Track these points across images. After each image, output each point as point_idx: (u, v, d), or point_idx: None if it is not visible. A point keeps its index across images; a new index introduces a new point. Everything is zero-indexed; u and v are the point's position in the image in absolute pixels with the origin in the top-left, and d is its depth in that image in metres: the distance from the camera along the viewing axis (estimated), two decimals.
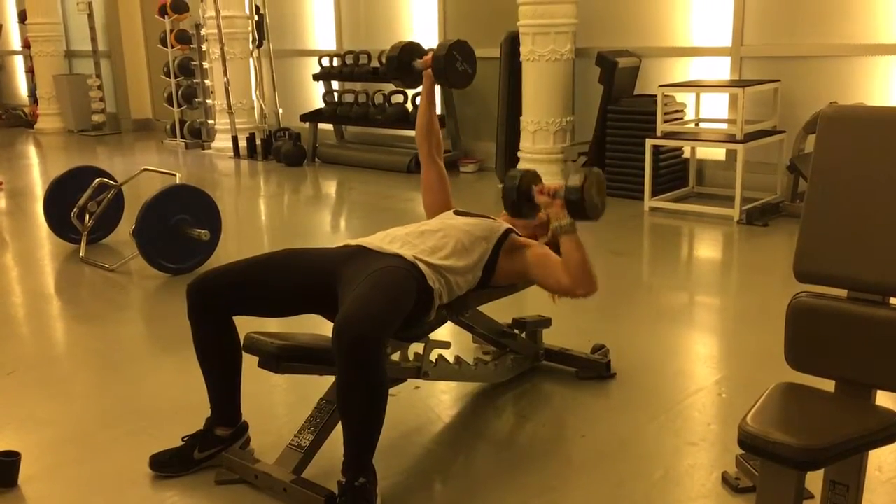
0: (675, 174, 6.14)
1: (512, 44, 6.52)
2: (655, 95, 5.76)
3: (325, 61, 8.33)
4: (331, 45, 8.89)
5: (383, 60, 7.67)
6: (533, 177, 2.80)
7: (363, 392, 2.14)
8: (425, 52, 3.03)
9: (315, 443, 2.38)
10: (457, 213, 2.85)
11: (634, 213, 5.74)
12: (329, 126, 8.59)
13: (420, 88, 3.03)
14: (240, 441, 2.56)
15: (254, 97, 8.98)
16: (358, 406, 2.16)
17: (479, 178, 7.36)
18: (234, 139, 8.66)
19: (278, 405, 3.02)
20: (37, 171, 8.77)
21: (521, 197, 2.75)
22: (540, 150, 6.39)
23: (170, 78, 9.39)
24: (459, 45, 2.93)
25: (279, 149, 8.27)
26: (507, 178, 2.79)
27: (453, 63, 2.91)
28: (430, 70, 2.94)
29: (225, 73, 8.53)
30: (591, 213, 2.60)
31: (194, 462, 2.49)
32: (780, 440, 1.69)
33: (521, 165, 6.42)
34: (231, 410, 2.55)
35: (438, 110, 3.20)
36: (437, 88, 3.06)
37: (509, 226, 2.79)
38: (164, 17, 9.32)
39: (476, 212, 2.86)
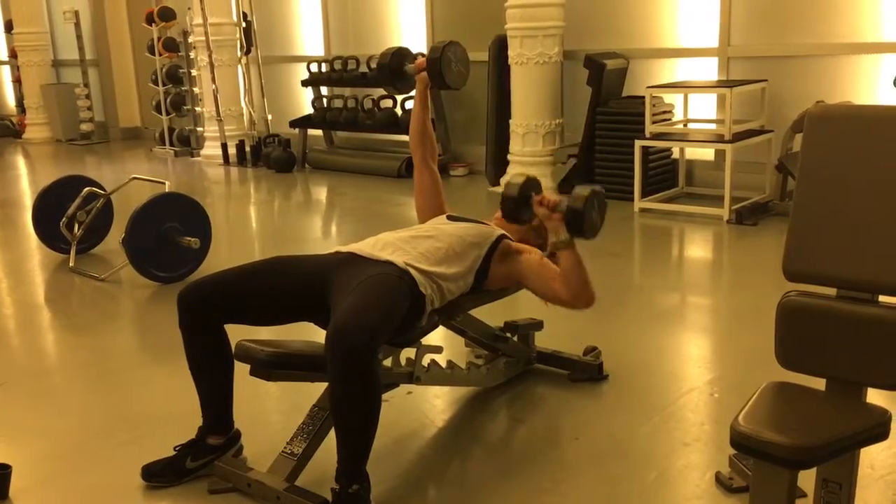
0: (664, 175, 6.15)
1: (500, 47, 6.52)
2: (644, 97, 5.77)
3: (314, 67, 8.32)
4: (319, 50, 8.89)
5: (372, 65, 7.67)
6: (534, 185, 2.74)
7: (357, 401, 2.14)
8: (415, 57, 3.03)
9: (308, 450, 2.38)
10: (450, 217, 2.84)
11: (625, 214, 5.75)
12: (318, 132, 8.58)
13: (412, 92, 3.00)
14: (232, 449, 2.55)
15: (242, 104, 8.96)
16: (352, 415, 2.15)
17: (470, 181, 7.36)
18: (224, 146, 8.64)
19: (271, 413, 3.01)
20: (25, 181, 8.73)
21: (520, 204, 2.69)
22: (529, 153, 6.39)
23: (158, 86, 9.37)
24: (453, 46, 2.93)
25: (269, 155, 8.26)
26: (508, 185, 2.71)
27: (449, 64, 2.89)
28: (422, 73, 2.91)
29: (213, 80, 8.51)
30: (589, 233, 2.57)
31: (187, 471, 2.48)
32: (772, 439, 1.69)
33: (511, 168, 6.43)
34: (223, 419, 2.54)
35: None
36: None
37: (502, 231, 2.78)
38: (151, 25, 9.29)
39: (469, 217, 2.85)
